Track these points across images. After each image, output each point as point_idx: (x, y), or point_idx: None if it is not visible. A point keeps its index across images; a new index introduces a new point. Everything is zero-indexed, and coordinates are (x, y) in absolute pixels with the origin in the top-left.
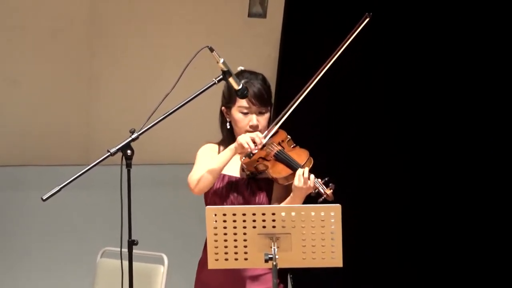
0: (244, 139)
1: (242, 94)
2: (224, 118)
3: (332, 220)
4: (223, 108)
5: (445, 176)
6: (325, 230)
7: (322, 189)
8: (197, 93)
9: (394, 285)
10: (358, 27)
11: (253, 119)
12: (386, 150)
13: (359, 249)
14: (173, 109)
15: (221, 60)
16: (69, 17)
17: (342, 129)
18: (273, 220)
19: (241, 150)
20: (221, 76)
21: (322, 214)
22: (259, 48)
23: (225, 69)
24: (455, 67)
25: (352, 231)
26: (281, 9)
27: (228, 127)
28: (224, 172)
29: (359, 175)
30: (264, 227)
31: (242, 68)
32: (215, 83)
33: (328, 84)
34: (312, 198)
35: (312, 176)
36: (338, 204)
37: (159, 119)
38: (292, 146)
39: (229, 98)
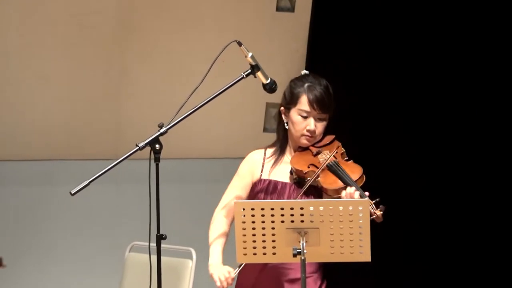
0: (217, 275)
1: (271, 88)
2: (281, 118)
3: (360, 215)
4: (282, 108)
5: (472, 174)
6: (353, 224)
7: (371, 209)
8: (226, 87)
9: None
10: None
11: (311, 123)
12: (417, 146)
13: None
14: (202, 103)
15: (250, 54)
16: (99, 12)
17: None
18: (301, 215)
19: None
20: (249, 70)
21: (350, 208)
22: (287, 42)
23: (253, 63)
24: (469, 68)
25: (381, 227)
26: (309, 3)
27: (286, 127)
28: (271, 177)
29: (391, 172)
30: (292, 221)
31: (307, 72)
32: (243, 77)
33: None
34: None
35: (361, 195)
36: (367, 199)
37: (187, 113)
38: (345, 159)
39: (291, 99)
